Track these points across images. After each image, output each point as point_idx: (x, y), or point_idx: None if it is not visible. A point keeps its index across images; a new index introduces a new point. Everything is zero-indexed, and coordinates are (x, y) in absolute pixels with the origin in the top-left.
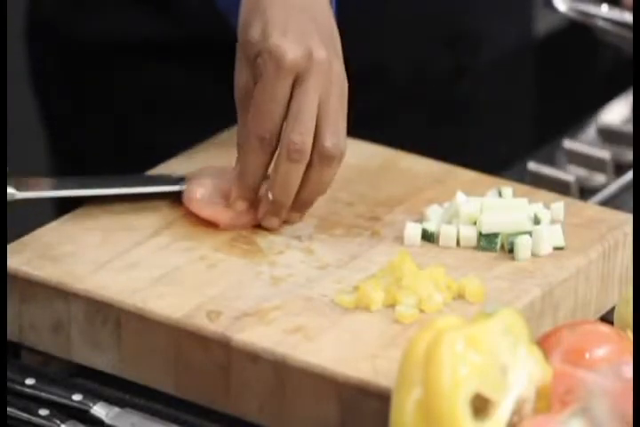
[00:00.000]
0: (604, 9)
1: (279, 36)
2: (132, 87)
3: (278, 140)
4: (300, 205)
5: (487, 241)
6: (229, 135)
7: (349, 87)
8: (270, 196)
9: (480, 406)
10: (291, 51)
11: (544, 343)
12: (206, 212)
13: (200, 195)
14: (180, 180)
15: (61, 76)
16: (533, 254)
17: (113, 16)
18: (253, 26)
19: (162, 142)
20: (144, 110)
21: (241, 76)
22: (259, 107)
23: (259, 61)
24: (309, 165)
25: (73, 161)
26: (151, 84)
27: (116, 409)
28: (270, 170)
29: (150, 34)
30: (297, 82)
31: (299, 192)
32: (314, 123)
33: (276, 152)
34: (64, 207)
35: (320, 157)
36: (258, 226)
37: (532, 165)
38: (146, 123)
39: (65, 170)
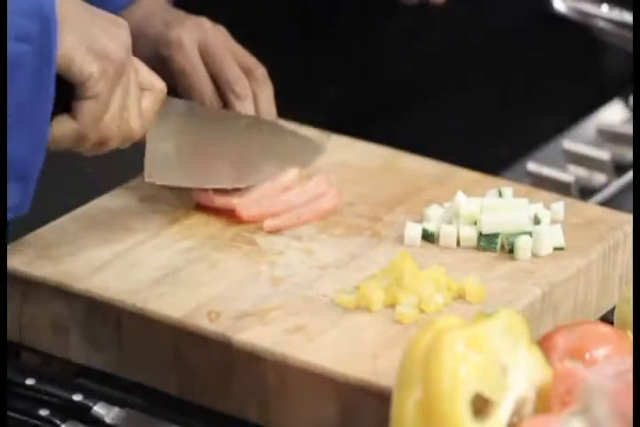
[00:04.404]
0: (604, 9)
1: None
2: None
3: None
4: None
5: (487, 241)
6: None
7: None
8: None
9: (480, 406)
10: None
11: (544, 343)
12: (219, 200)
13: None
14: None
15: None
16: (533, 254)
17: None
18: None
19: None
20: None
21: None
22: (191, 80)
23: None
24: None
25: None
26: None
27: (116, 409)
28: None
29: None
30: (201, 51)
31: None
32: (237, 67)
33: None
34: (64, 207)
35: (259, 79)
36: (258, 226)
37: (532, 166)
38: None
39: None
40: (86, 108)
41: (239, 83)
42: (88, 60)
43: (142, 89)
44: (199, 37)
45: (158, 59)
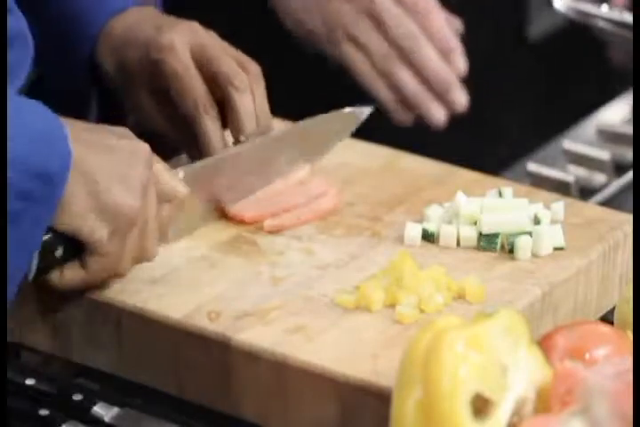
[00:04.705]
0: (604, 9)
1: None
2: None
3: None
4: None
5: (487, 241)
6: None
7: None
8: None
9: (480, 406)
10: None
11: (544, 343)
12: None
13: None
14: None
15: None
16: (533, 254)
17: None
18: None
19: None
20: None
21: None
22: (184, 82)
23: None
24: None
25: None
26: None
27: (116, 409)
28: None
29: None
30: (197, 52)
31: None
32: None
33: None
34: None
35: (254, 76)
36: (259, 226)
37: (532, 166)
38: None
39: None
40: (98, 264)
41: (238, 77)
42: (98, 225)
43: (161, 201)
44: (191, 40)
45: (149, 62)
